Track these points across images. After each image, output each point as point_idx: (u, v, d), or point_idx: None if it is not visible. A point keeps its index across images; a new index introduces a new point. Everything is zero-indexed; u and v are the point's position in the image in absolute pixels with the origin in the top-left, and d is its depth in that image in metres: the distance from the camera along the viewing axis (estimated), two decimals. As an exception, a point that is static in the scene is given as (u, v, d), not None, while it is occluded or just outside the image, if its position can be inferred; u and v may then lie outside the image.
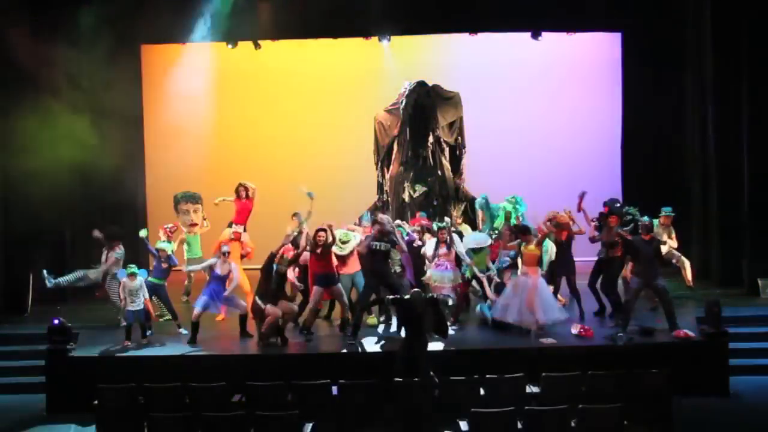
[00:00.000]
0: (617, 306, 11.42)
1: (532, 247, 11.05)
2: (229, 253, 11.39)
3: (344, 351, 10.65)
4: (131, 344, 11.00)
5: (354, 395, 8.86)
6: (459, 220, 13.81)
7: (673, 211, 12.69)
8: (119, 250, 12.12)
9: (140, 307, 11.10)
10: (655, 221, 12.31)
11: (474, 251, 11.64)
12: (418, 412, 8.70)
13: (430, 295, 10.44)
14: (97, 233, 12.28)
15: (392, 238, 11.07)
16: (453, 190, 14.37)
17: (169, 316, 11.97)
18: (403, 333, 10.00)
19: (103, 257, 12.17)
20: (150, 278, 11.61)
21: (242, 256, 12.53)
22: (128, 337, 11.05)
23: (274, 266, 10.79)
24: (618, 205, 12.09)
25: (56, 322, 10.67)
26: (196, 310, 11.06)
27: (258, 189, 13.44)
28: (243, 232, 12.62)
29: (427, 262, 11.79)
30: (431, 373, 9.25)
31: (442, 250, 11.57)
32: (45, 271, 11.95)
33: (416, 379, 9.06)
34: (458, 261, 11.71)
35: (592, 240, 11.82)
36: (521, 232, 11.36)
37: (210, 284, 11.27)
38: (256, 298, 10.82)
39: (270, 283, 10.75)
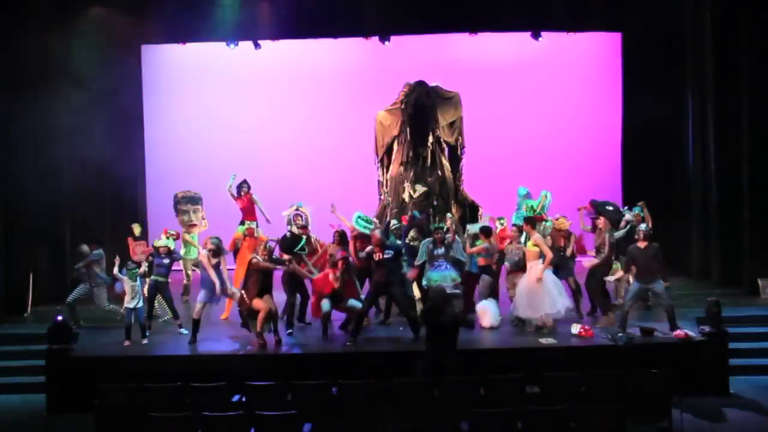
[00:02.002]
0: (603, 308, 11.46)
1: (530, 243, 11.20)
2: (213, 249, 11.25)
3: (344, 351, 10.66)
4: (131, 344, 11.00)
5: (354, 395, 8.85)
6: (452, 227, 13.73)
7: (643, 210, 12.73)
8: (97, 251, 12.07)
9: (139, 305, 11.12)
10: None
11: (476, 238, 11.69)
12: (418, 412, 8.69)
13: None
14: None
15: (397, 247, 11.17)
16: (453, 191, 14.36)
17: (166, 317, 11.98)
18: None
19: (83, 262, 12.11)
20: (153, 276, 11.62)
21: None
22: (128, 337, 11.04)
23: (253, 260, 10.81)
24: (610, 208, 12.03)
25: (59, 318, 10.67)
26: (198, 305, 11.05)
27: (257, 188, 13.48)
28: (256, 228, 12.76)
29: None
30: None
31: (440, 250, 11.60)
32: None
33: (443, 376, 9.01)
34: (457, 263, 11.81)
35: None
36: (485, 233, 11.55)
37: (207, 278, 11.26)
38: (243, 293, 10.81)
39: (255, 278, 10.71)
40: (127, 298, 11.13)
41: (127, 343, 11.00)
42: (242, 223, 13.00)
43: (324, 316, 10.92)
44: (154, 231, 15.46)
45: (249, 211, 13.15)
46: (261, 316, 10.58)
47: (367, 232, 11.75)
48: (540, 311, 10.96)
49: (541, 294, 10.93)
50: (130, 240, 12.63)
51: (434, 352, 9.21)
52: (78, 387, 10.04)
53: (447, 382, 8.92)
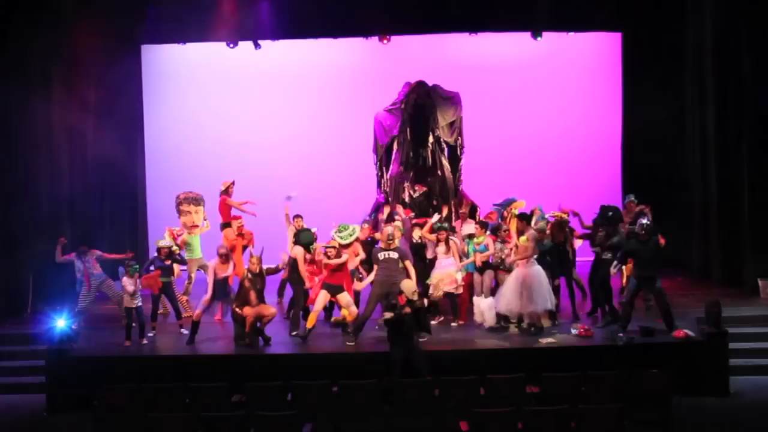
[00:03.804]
0: (607, 305, 11.44)
1: (524, 238, 11.16)
2: (224, 255, 11.35)
3: (344, 351, 10.65)
4: (131, 344, 11.00)
5: (354, 395, 8.86)
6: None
7: (636, 198, 12.70)
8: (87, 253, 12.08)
9: (140, 304, 11.11)
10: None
11: (470, 237, 11.72)
12: (418, 412, 8.70)
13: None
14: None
15: (402, 252, 11.09)
16: (453, 191, 14.36)
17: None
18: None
19: (78, 265, 12.08)
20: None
21: (244, 247, 12.57)
22: (128, 337, 11.05)
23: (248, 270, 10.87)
24: (611, 213, 11.99)
25: (72, 328, 10.74)
26: (198, 309, 11.06)
27: (256, 189, 13.49)
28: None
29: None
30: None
31: (441, 248, 11.62)
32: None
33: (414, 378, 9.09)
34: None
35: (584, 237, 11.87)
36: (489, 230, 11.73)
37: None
38: (234, 305, 10.85)
39: (244, 291, 10.77)
40: (126, 296, 11.14)
41: (127, 343, 11.01)
42: (228, 225, 12.98)
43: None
44: (154, 231, 15.48)
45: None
46: (249, 320, 10.63)
47: (347, 240, 11.68)
48: (528, 306, 10.97)
49: (531, 288, 10.93)
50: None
51: (396, 353, 9.47)
52: (78, 387, 10.04)
53: (447, 382, 8.93)
